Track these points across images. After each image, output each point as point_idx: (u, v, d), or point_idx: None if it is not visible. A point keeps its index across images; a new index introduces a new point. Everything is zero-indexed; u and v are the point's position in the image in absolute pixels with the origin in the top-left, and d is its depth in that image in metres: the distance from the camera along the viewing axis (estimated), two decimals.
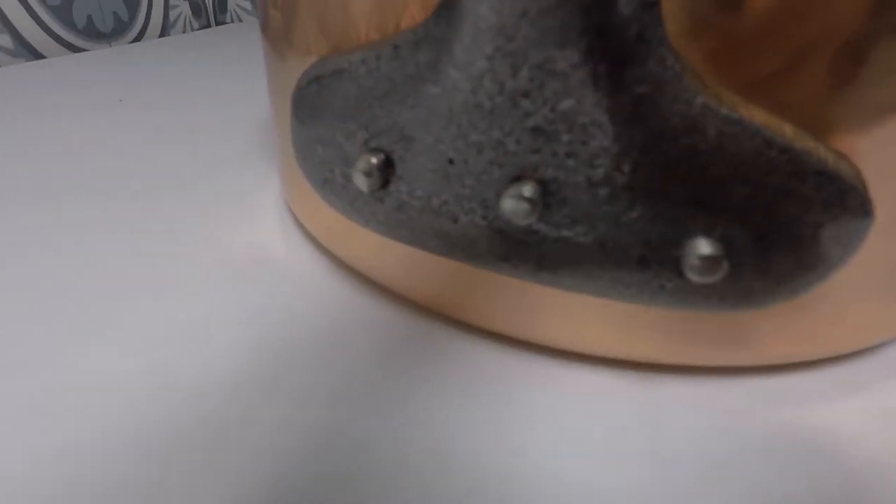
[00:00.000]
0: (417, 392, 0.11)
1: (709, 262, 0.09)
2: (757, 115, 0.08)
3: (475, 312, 0.12)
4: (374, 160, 0.10)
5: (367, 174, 0.10)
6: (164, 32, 0.48)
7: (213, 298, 0.14)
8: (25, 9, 0.37)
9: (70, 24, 0.40)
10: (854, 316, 0.11)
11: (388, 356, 0.12)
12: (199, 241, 0.16)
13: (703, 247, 0.09)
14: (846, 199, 0.08)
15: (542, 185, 0.09)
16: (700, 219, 0.09)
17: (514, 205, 0.09)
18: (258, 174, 0.21)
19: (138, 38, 0.45)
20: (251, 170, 0.21)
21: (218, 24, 0.54)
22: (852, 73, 0.08)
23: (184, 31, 0.50)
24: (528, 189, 0.09)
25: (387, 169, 0.10)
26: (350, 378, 0.12)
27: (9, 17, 0.36)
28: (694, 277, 0.09)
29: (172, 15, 0.48)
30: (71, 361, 0.12)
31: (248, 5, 0.56)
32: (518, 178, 0.09)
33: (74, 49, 0.41)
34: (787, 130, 0.08)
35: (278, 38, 0.13)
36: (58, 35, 0.39)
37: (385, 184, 0.10)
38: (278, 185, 0.20)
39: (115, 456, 0.10)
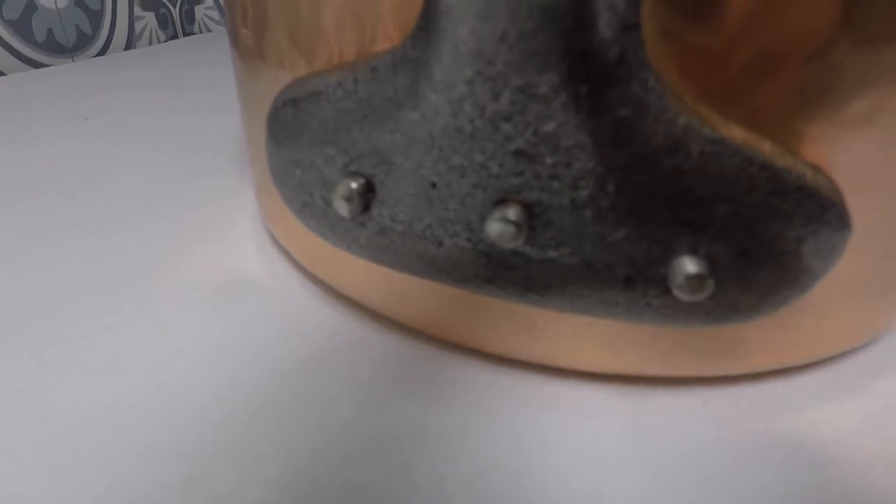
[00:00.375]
0: (407, 415, 0.11)
1: (695, 281, 0.09)
2: (736, 134, 0.08)
3: (462, 333, 0.12)
4: (354, 185, 0.10)
5: (348, 199, 0.10)
6: (129, 45, 0.46)
7: (187, 326, 0.13)
8: None
9: (29, 39, 0.38)
10: (833, 322, 0.11)
11: (376, 380, 0.12)
12: (172, 265, 0.16)
13: (689, 265, 0.09)
14: (825, 214, 0.08)
15: (527, 207, 0.09)
16: (684, 237, 0.09)
17: (500, 228, 0.09)
18: (233, 190, 0.20)
19: (102, 52, 0.44)
20: (225, 186, 0.21)
21: (186, 34, 0.53)
22: (825, 88, 0.08)
23: (150, 44, 0.49)
24: (512, 212, 0.09)
25: (367, 193, 0.10)
26: (337, 405, 0.11)
27: None
28: (680, 295, 0.09)
29: (138, 27, 0.47)
30: (35, 396, 0.11)
31: (216, 15, 0.55)
32: (502, 201, 0.09)
33: (35, 64, 0.39)
34: (766, 147, 0.08)
35: (250, 58, 0.13)
36: (17, 50, 0.38)
37: (366, 208, 0.10)
38: (253, 202, 0.20)
39: (92, 497, 0.09)
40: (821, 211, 0.08)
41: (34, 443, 0.10)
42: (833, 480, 0.10)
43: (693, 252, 0.09)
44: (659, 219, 0.09)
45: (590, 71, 0.07)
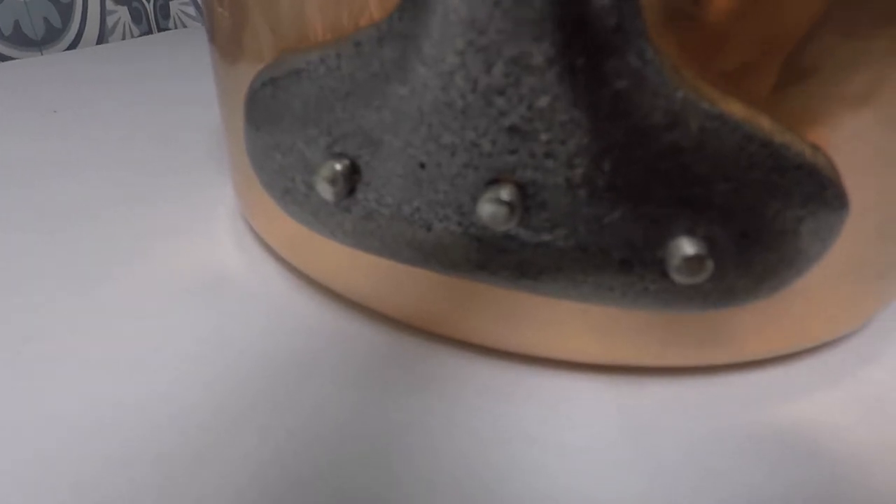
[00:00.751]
0: (395, 411, 0.11)
1: (693, 263, 0.08)
2: (736, 110, 0.08)
3: (450, 323, 0.12)
4: (338, 167, 0.09)
5: (332, 182, 0.09)
6: (101, 40, 0.45)
7: (164, 324, 0.13)
8: None
9: None
10: (825, 308, 0.11)
11: (361, 375, 0.12)
12: (147, 261, 0.15)
13: (687, 247, 0.08)
14: (824, 193, 0.08)
15: (520, 187, 0.08)
16: (683, 218, 0.08)
17: (493, 209, 0.08)
18: (209, 185, 0.20)
19: (73, 46, 0.43)
20: (201, 181, 0.20)
21: (160, 30, 0.52)
22: (823, 65, 0.08)
23: (123, 39, 0.47)
24: (506, 192, 0.08)
25: (352, 176, 0.09)
26: (320, 401, 0.11)
27: None
28: (679, 278, 0.08)
29: (110, 21, 0.46)
30: (6, 395, 0.11)
31: (191, 10, 0.53)
32: (495, 182, 0.08)
33: (1, 58, 0.38)
34: (764, 124, 0.08)
35: (226, 39, 0.12)
36: None
37: (351, 192, 0.10)
38: (231, 195, 0.19)
39: (62, 501, 0.09)
40: (820, 189, 0.08)
41: (3, 444, 0.10)
42: (826, 471, 0.10)
43: (691, 233, 0.08)
44: (656, 198, 0.08)
45: (586, 40, 0.07)
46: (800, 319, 0.11)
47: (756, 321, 0.11)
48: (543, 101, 0.08)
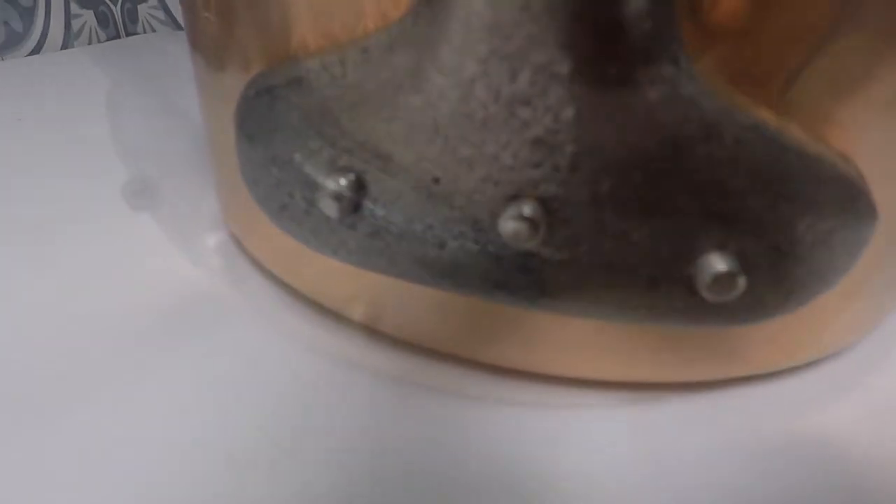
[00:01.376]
0: (402, 436, 0.10)
1: (725, 279, 0.08)
2: (767, 118, 0.08)
3: (459, 343, 0.11)
4: (343, 182, 0.09)
5: (337, 198, 0.09)
6: (66, 45, 0.43)
7: (145, 352, 0.12)
8: None
9: None
10: (839, 318, 0.11)
11: (366, 400, 0.11)
12: (123, 283, 0.14)
13: (719, 263, 0.08)
14: (857, 204, 0.08)
15: (543, 203, 0.08)
16: (713, 232, 0.08)
17: (515, 227, 0.08)
18: (189, 197, 0.19)
19: (36, 51, 0.41)
20: (181, 193, 0.19)
21: (128, 34, 0.50)
22: (850, 71, 0.08)
23: (89, 43, 0.45)
24: (528, 208, 0.08)
25: (359, 191, 0.09)
26: (323, 432, 0.10)
27: None
28: (709, 296, 0.08)
29: (75, 25, 0.44)
30: None
31: (161, 15, 0.52)
32: (515, 197, 0.08)
33: None
34: (796, 133, 0.08)
35: (212, 45, 0.12)
36: None
37: (357, 208, 0.09)
38: (215, 208, 0.18)
39: None
40: (852, 200, 0.08)
41: None
42: (842, 480, 0.10)
43: (722, 248, 0.08)
44: (687, 213, 0.08)
45: (619, 47, 0.07)
46: (814, 331, 0.11)
47: (771, 334, 0.11)
48: (570, 112, 0.07)
